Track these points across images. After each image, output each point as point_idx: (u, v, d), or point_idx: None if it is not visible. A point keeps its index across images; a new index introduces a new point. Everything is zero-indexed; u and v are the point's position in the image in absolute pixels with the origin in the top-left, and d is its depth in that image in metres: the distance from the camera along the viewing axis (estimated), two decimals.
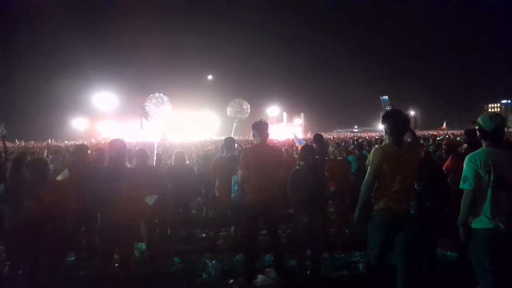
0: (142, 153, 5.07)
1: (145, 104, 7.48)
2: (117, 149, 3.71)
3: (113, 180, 3.54)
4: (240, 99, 9.06)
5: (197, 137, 33.27)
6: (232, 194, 5.09)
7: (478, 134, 2.87)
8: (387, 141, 3.18)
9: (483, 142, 2.82)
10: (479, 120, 2.85)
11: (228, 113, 8.94)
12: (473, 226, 2.73)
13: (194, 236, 6.09)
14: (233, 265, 4.65)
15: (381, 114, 3.94)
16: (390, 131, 3.14)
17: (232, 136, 8.71)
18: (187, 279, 4.33)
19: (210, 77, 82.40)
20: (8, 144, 10.06)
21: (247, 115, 8.95)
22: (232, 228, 5.61)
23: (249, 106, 8.99)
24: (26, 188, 3.45)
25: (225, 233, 5.89)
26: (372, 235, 3.20)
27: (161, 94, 7.63)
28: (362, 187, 3.15)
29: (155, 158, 6.43)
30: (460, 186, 2.77)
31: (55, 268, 3.63)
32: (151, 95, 7.59)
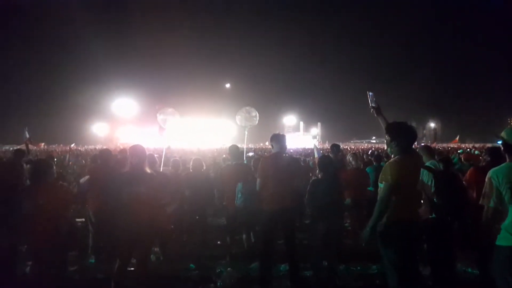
0: (150, 159, 5.10)
1: (158, 114, 7.63)
2: (137, 155, 3.78)
3: (133, 185, 3.61)
4: (248, 107, 8.97)
5: (214, 145, 33.61)
6: (235, 201, 5.12)
7: (502, 148, 2.81)
8: (397, 153, 3.08)
9: (507, 156, 2.75)
10: (503, 133, 2.79)
11: (238, 122, 8.90)
12: (497, 243, 2.66)
13: (209, 243, 6.11)
14: (248, 273, 4.64)
15: (378, 112, 3.89)
16: (404, 142, 3.07)
17: (245, 144, 8.73)
18: (201, 286, 4.35)
19: (228, 85, 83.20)
20: (32, 147, 10.37)
21: (256, 122, 8.91)
22: (244, 236, 5.60)
23: (257, 113, 8.93)
24: (24, 188, 3.54)
25: (239, 240, 5.88)
26: (390, 252, 3.01)
27: (172, 109, 7.81)
28: (378, 205, 2.98)
29: (162, 164, 6.53)
30: (480, 202, 2.73)
31: (59, 268, 3.71)
32: (163, 110, 7.73)
